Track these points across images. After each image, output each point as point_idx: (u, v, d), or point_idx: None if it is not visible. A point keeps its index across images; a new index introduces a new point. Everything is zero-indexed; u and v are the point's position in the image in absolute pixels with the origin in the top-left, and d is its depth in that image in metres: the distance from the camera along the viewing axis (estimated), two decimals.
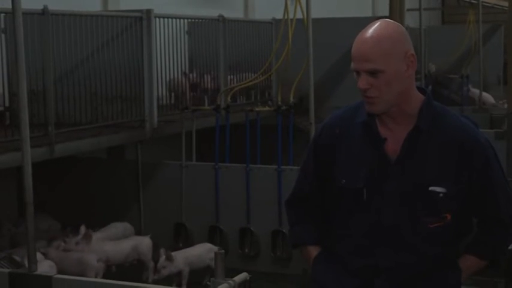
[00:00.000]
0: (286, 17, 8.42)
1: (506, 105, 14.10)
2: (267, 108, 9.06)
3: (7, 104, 7.28)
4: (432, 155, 2.84)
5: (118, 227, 7.87)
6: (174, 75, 9.15)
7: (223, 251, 3.86)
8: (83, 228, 7.21)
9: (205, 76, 9.73)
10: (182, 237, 8.31)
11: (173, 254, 7.19)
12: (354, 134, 2.93)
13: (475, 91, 14.22)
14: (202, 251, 7.37)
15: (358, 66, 2.79)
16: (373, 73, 2.78)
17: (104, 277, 6.86)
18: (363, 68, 2.78)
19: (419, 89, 2.94)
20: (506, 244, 3.02)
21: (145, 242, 7.50)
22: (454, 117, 2.91)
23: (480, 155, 2.85)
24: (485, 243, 2.97)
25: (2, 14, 6.87)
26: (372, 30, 2.80)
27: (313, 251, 3.08)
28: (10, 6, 4.76)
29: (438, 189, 2.82)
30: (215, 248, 7.03)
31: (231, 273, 3.98)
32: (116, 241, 7.55)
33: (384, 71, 2.77)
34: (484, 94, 14.05)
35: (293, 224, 3.17)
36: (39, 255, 6.62)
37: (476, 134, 2.89)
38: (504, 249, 3.02)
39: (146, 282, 7.35)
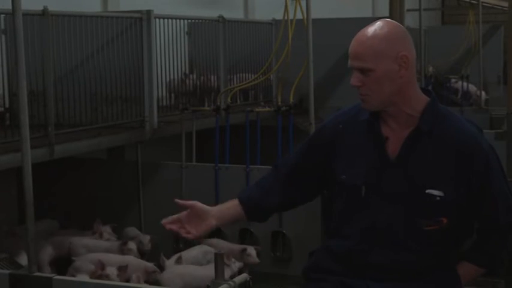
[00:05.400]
0: (286, 17, 8.42)
1: (459, 82, 14.48)
2: (267, 109, 9.06)
3: (7, 104, 7.28)
4: (432, 157, 2.84)
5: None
6: (174, 76, 9.15)
7: (223, 252, 3.86)
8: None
9: (204, 77, 9.73)
10: (182, 238, 8.28)
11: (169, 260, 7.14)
12: (356, 131, 2.95)
13: (459, 82, 14.57)
14: (198, 253, 7.35)
15: (351, 63, 2.86)
16: (363, 71, 2.81)
17: None
18: (354, 65, 2.84)
19: (425, 90, 2.95)
20: (504, 253, 2.99)
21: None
22: (457, 121, 2.90)
23: (481, 160, 2.84)
24: (483, 251, 2.96)
25: (2, 15, 6.87)
26: (367, 29, 2.85)
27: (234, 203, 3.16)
28: (10, 7, 4.76)
29: (435, 192, 2.82)
30: (212, 250, 7.04)
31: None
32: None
33: (373, 70, 2.80)
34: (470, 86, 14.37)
35: (257, 184, 3.30)
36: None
37: (478, 139, 2.87)
38: (502, 258, 3.01)
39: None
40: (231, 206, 3.18)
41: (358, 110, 2.98)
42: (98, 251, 7.13)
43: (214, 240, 7.77)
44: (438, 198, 2.81)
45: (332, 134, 3.01)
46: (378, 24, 2.85)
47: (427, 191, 2.82)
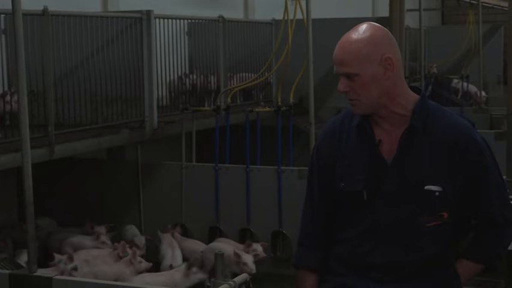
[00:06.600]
0: (286, 17, 8.42)
1: (435, 70, 14.50)
2: (267, 109, 9.06)
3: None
4: (427, 154, 2.85)
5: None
6: (174, 76, 9.15)
7: (223, 252, 3.87)
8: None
9: (204, 77, 9.73)
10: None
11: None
12: (350, 137, 2.95)
13: (460, 82, 14.62)
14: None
15: (336, 69, 2.86)
16: (349, 76, 2.82)
17: None
18: (340, 72, 2.85)
19: (415, 88, 2.95)
20: (501, 247, 2.99)
21: None
22: (449, 116, 2.91)
23: (475, 153, 2.85)
24: (480, 247, 2.96)
25: (2, 15, 6.88)
26: (350, 34, 2.85)
27: (310, 277, 3.12)
28: (10, 7, 4.77)
29: (434, 188, 2.83)
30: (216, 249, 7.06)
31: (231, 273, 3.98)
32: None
33: (359, 75, 2.81)
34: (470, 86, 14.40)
35: (301, 242, 3.18)
36: None
37: (472, 132, 2.88)
38: (500, 253, 3.01)
39: None
40: (313, 283, 3.17)
41: (350, 116, 2.98)
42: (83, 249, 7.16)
43: (221, 240, 7.78)
44: (437, 193, 2.83)
45: (331, 143, 3.00)
46: (361, 28, 2.85)
47: (425, 187, 2.83)
